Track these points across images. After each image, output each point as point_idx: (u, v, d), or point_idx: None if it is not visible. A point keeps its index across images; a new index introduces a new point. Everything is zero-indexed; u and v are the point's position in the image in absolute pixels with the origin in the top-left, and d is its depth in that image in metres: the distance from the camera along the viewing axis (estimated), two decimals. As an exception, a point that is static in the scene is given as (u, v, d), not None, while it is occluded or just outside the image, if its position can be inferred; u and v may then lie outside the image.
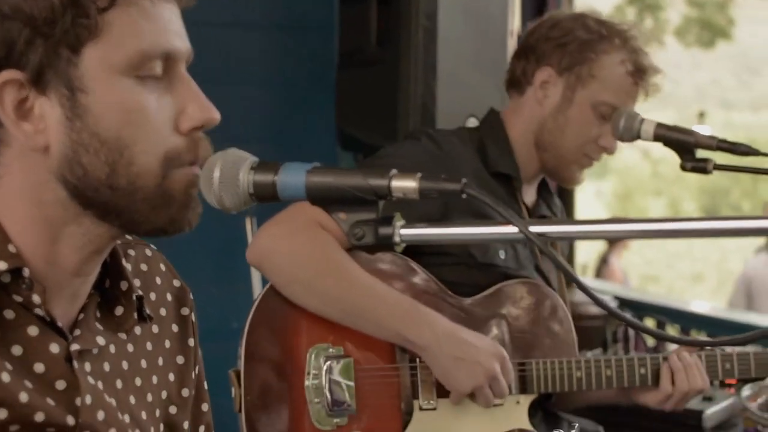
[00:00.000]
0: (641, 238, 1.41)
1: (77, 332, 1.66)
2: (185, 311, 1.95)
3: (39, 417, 1.57)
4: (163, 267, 1.93)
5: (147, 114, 1.56)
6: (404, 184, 1.43)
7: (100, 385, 1.68)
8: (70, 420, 1.61)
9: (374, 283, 2.92)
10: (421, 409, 2.96)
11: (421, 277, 3.03)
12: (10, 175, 1.58)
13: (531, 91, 3.24)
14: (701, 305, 7.17)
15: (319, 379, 2.87)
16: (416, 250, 3.02)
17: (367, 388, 2.92)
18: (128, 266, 1.79)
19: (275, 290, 2.90)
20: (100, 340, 1.70)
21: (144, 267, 1.88)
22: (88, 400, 1.64)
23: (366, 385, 2.92)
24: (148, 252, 1.91)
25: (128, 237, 1.85)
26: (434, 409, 2.96)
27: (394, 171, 1.44)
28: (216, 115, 1.62)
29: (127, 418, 1.73)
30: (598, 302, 1.50)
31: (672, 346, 3.88)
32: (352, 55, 4.44)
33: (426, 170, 2.84)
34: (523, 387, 3.04)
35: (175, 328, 1.92)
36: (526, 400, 3.05)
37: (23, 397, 1.55)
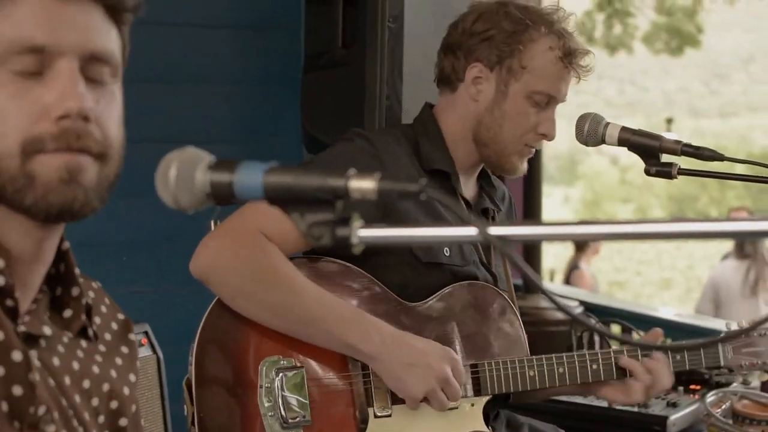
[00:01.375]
0: (602, 240, 1.40)
1: (26, 318, 1.69)
2: (132, 337, 1.98)
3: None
4: (107, 300, 1.98)
5: (11, 103, 1.61)
6: (363, 185, 1.41)
7: (45, 373, 1.70)
8: (18, 390, 1.63)
9: (321, 293, 2.89)
10: (376, 416, 2.94)
11: (367, 283, 3.02)
12: None
13: (463, 88, 3.22)
14: (667, 311, 7.17)
15: (272, 392, 2.84)
16: (359, 255, 3.00)
17: (321, 399, 2.90)
18: (79, 278, 1.82)
19: (222, 305, 2.87)
20: (47, 330, 1.72)
21: (91, 294, 1.92)
22: (37, 377, 1.66)
23: (319, 395, 2.90)
24: (95, 285, 1.96)
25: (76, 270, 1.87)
26: (389, 415, 2.95)
27: (352, 171, 1.42)
28: (78, 104, 1.62)
29: (70, 413, 1.75)
30: (559, 306, 1.49)
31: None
32: (319, 57, 4.42)
33: (361, 168, 2.86)
34: (477, 389, 3.04)
35: (125, 349, 1.95)
36: (480, 402, 3.05)
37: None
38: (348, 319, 2.88)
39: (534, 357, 3.08)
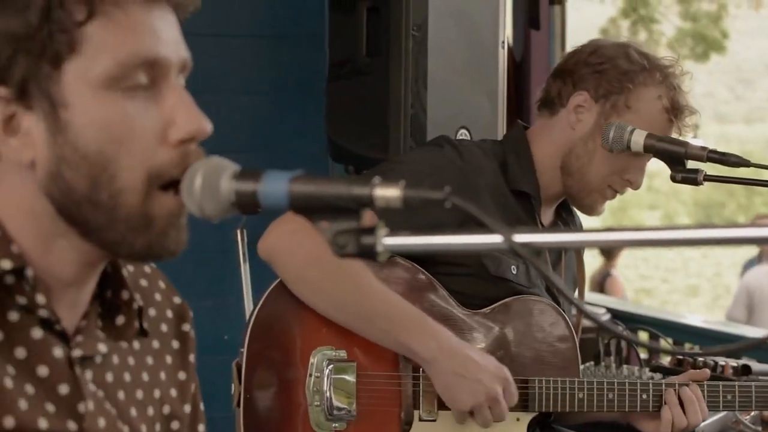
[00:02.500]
0: (627, 246, 1.39)
1: (79, 338, 1.65)
2: (186, 327, 1.93)
3: (42, 424, 1.55)
4: (162, 284, 1.91)
5: (130, 128, 1.54)
6: (387, 193, 1.40)
7: (100, 393, 1.67)
8: (72, 426, 1.59)
9: (384, 290, 2.90)
10: (420, 419, 2.96)
11: (430, 285, 3.02)
12: (4, 185, 1.58)
13: (564, 114, 3.21)
14: (695, 318, 7.15)
15: (321, 382, 2.87)
16: (428, 260, 3.01)
17: (368, 395, 2.92)
18: (127, 278, 1.77)
19: (281, 289, 2.90)
20: (102, 348, 1.69)
21: (144, 282, 1.86)
22: (91, 406, 1.62)
23: (367, 391, 2.92)
24: (147, 269, 1.89)
25: (123, 271, 1.83)
26: (434, 420, 2.96)
27: (377, 179, 1.41)
28: (207, 126, 1.59)
29: (126, 429, 1.71)
30: (587, 314, 1.48)
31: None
32: (343, 66, 4.42)
33: (443, 178, 2.90)
34: (525, 404, 3.03)
35: (175, 344, 1.90)
36: (525, 418, 3.05)
37: (24, 404, 1.54)
38: (408, 319, 2.88)
39: (585, 380, 3.08)
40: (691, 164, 2.96)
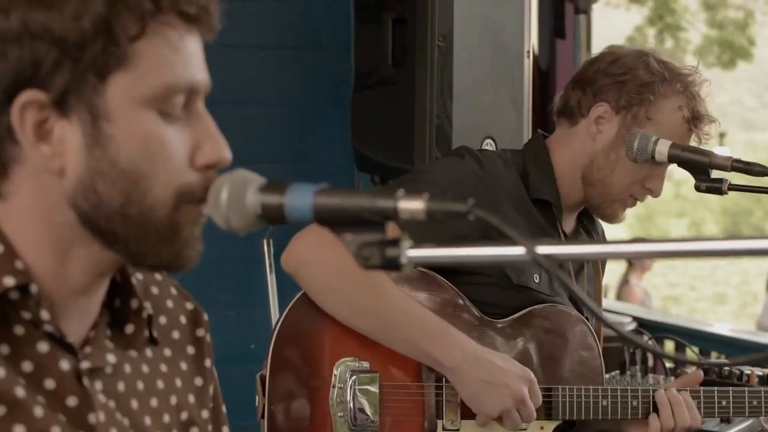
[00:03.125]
0: (647, 257, 1.39)
1: (88, 349, 1.65)
2: (200, 332, 1.93)
3: (55, 431, 1.56)
4: (174, 290, 1.91)
5: (166, 147, 1.55)
6: (411, 206, 1.40)
7: (111, 404, 1.67)
8: None
9: (407, 299, 2.92)
10: (444, 429, 2.97)
11: (452, 294, 3.03)
12: (21, 194, 1.57)
13: (584, 124, 3.20)
14: (722, 327, 7.13)
15: (344, 393, 2.88)
16: (450, 270, 3.02)
17: (392, 405, 2.93)
18: (137, 289, 1.77)
19: (305, 300, 2.91)
20: (111, 358, 1.69)
21: (155, 290, 1.86)
22: (102, 417, 1.63)
23: (390, 401, 2.93)
24: (158, 276, 1.89)
25: (132, 279, 1.83)
26: (457, 430, 2.97)
27: (401, 192, 1.42)
28: (228, 155, 1.61)
29: None
30: (609, 325, 1.49)
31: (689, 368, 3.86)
32: (368, 76, 4.44)
33: (466, 189, 2.90)
34: (548, 413, 3.03)
35: (190, 350, 1.90)
36: (549, 426, 3.05)
37: (38, 411, 1.54)
38: (431, 329, 2.89)
39: (609, 387, 3.07)
40: (715, 173, 2.96)
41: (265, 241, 3.51)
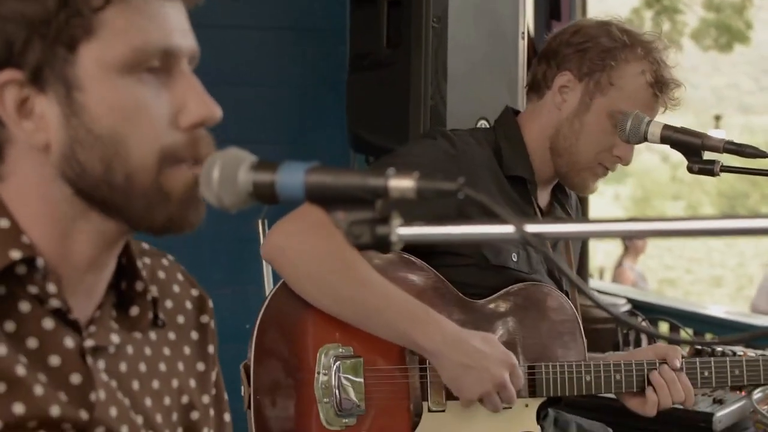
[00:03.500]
0: (633, 237, 1.41)
1: (92, 328, 1.67)
2: (205, 319, 1.95)
3: (54, 411, 1.57)
4: (180, 276, 1.94)
5: (142, 110, 1.57)
6: (401, 184, 1.42)
7: (113, 383, 1.69)
8: (84, 415, 1.62)
9: (386, 284, 2.92)
10: (429, 410, 2.97)
11: (431, 276, 3.04)
12: (17, 173, 1.60)
13: (549, 96, 3.24)
14: (717, 309, 7.15)
15: (329, 379, 2.89)
16: (428, 251, 3.03)
17: (377, 389, 2.94)
18: (143, 271, 1.79)
19: (286, 289, 2.92)
20: (115, 338, 1.71)
21: (162, 275, 1.89)
22: (102, 395, 1.64)
23: (375, 385, 2.94)
24: (165, 261, 1.92)
25: (144, 245, 1.87)
26: (443, 411, 2.97)
27: (391, 170, 1.44)
28: (217, 112, 1.62)
29: (140, 419, 1.73)
30: (600, 305, 1.50)
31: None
32: (363, 58, 4.45)
33: (440, 169, 2.92)
34: (533, 390, 3.05)
35: (194, 335, 1.93)
36: (534, 403, 3.07)
37: (38, 390, 1.56)
38: (411, 313, 2.90)
39: (592, 362, 3.09)
40: (708, 155, 2.97)
41: (260, 221, 3.52)
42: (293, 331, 2.92)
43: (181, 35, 1.63)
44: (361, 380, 2.92)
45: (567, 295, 3.21)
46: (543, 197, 3.32)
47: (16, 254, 1.56)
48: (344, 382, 2.90)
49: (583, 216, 5.98)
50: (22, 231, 1.59)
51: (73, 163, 1.56)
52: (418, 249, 3.00)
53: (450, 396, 2.96)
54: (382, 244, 1.45)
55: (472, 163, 3.09)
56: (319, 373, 2.89)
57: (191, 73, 1.64)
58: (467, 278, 3.07)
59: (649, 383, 3.10)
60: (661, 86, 3.16)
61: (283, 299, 2.92)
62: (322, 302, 2.91)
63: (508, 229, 1.43)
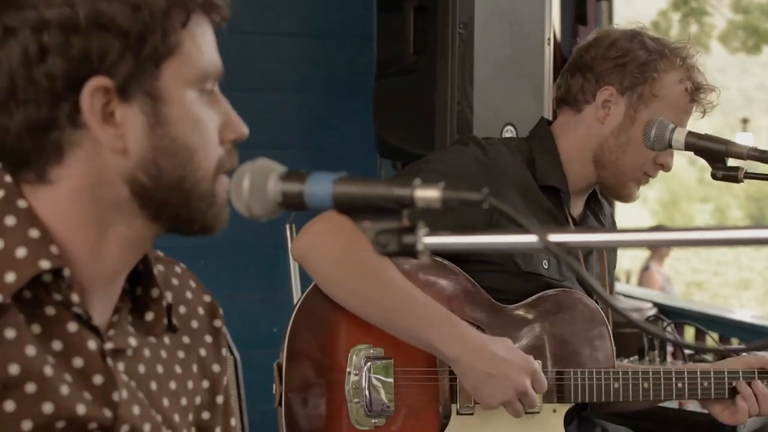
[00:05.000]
0: (658, 246, 1.43)
1: (111, 332, 1.74)
2: (217, 323, 2.01)
3: (81, 409, 1.64)
4: (192, 283, 2.01)
5: (207, 125, 1.71)
6: (427, 194, 1.44)
7: (133, 384, 1.75)
8: (108, 413, 1.67)
9: (410, 288, 2.94)
10: (458, 413, 2.99)
11: (462, 280, 3.06)
12: (71, 176, 1.66)
13: (591, 110, 3.25)
14: (744, 313, 7.13)
15: (360, 379, 2.92)
16: (459, 257, 3.05)
17: (406, 390, 2.96)
18: (157, 276, 1.86)
19: (318, 290, 2.95)
20: (133, 341, 1.77)
21: (175, 282, 1.95)
22: (125, 395, 1.70)
23: (405, 386, 2.96)
24: (178, 269, 1.99)
25: (158, 253, 1.94)
26: (471, 413, 2.99)
27: (417, 180, 1.46)
28: (247, 131, 1.76)
29: (159, 418, 1.79)
30: (622, 314, 1.52)
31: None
32: (390, 64, 4.47)
33: (470, 177, 2.94)
34: (561, 396, 3.06)
35: (208, 338, 1.98)
36: (562, 409, 3.08)
37: (64, 390, 1.62)
38: (432, 319, 2.91)
39: (620, 370, 3.11)
40: (732, 161, 2.98)
41: (287, 226, 3.55)
42: (325, 332, 2.96)
43: (218, 58, 1.76)
44: (391, 381, 2.95)
45: (597, 302, 3.22)
46: (577, 207, 3.33)
47: (45, 264, 1.62)
48: (374, 382, 2.93)
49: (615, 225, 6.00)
50: (52, 241, 1.65)
51: (152, 168, 1.67)
52: (451, 255, 3.03)
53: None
54: (409, 253, 1.48)
55: (502, 171, 3.11)
56: (350, 373, 2.92)
57: (219, 92, 1.77)
58: (498, 284, 3.09)
59: (736, 392, 3.13)
60: (698, 92, 3.21)
61: (315, 300, 2.96)
62: (347, 303, 2.94)
63: (532, 238, 1.46)
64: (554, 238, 1.43)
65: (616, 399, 3.07)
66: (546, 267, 3.14)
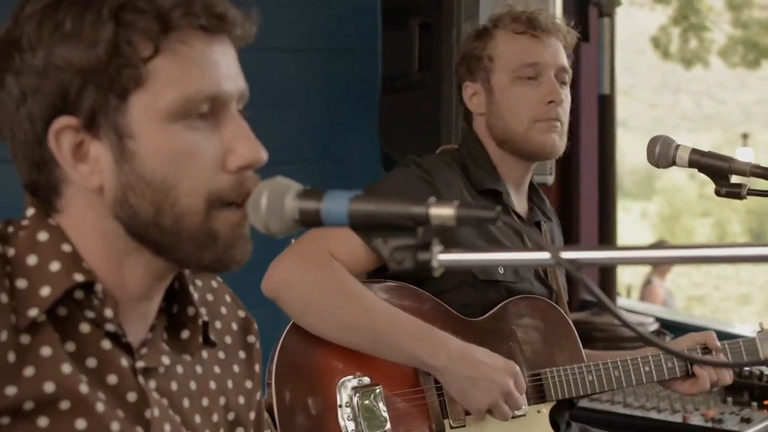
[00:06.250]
0: (671, 263, 1.46)
1: (144, 350, 1.75)
2: (251, 339, 2.02)
3: (115, 427, 1.65)
4: (228, 298, 2.01)
5: (192, 156, 1.64)
6: (442, 212, 1.47)
7: (164, 402, 1.76)
8: (140, 431, 1.69)
9: (389, 308, 2.99)
10: (451, 427, 3.02)
11: (429, 302, 3.11)
12: (73, 207, 1.68)
13: (472, 108, 3.38)
14: (745, 328, 7.14)
15: (353, 411, 2.92)
16: (420, 278, 3.11)
17: (399, 413, 2.99)
18: (195, 294, 1.86)
19: (295, 331, 2.96)
20: (165, 360, 1.78)
21: (210, 297, 1.96)
22: (156, 413, 1.72)
23: (397, 410, 2.99)
24: (214, 284, 1.99)
25: (190, 287, 1.92)
26: (464, 426, 3.03)
27: (432, 199, 1.49)
28: (263, 155, 1.68)
29: None
30: (630, 327, 1.55)
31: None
32: (395, 80, 4.51)
33: (419, 194, 2.98)
34: (541, 396, 3.15)
35: (242, 354, 1.99)
36: (546, 408, 3.16)
37: (99, 407, 1.64)
38: (416, 333, 2.96)
39: (591, 363, 3.20)
40: (735, 178, 3.00)
41: (293, 241, 3.57)
42: (309, 370, 2.94)
43: (229, 79, 1.69)
44: (383, 406, 2.96)
45: (555, 300, 3.34)
46: (520, 204, 3.39)
47: (79, 277, 1.64)
48: (367, 411, 2.94)
49: (609, 236, 6.03)
50: (82, 258, 1.67)
51: (125, 207, 1.64)
52: (409, 276, 3.06)
53: (468, 411, 3.02)
54: (423, 269, 1.51)
55: (445, 184, 3.17)
56: (341, 406, 2.93)
57: (239, 115, 1.70)
58: (463, 298, 3.16)
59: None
60: (527, 23, 3.28)
61: (294, 340, 2.96)
62: (327, 332, 2.95)
63: (542, 255, 1.49)
64: (566, 254, 1.46)
65: (593, 391, 3.19)
66: (502, 272, 3.20)
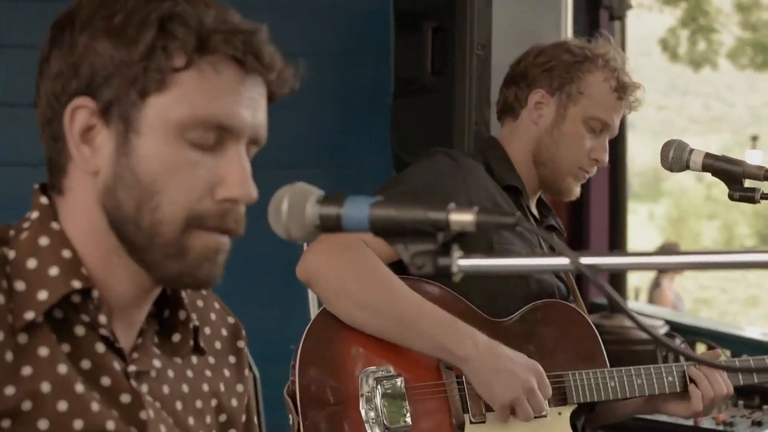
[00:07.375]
0: (688, 269, 1.47)
1: (135, 355, 1.79)
2: (240, 344, 2.06)
3: (110, 425, 1.69)
4: (217, 305, 2.04)
5: (184, 171, 1.68)
6: (461, 218, 1.49)
7: (157, 404, 1.79)
8: (134, 431, 1.72)
9: (417, 296, 3.01)
10: (471, 422, 3.03)
11: (454, 300, 3.13)
12: (75, 189, 1.74)
13: (525, 113, 3.43)
14: (754, 330, 7.14)
15: (374, 401, 2.94)
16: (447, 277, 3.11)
17: (419, 406, 3.00)
18: (186, 299, 1.89)
19: (323, 318, 2.99)
20: (156, 363, 1.82)
21: (200, 303, 1.99)
22: (152, 414, 1.75)
23: (418, 402, 3.00)
24: (204, 291, 2.02)
25: (182, 293, 1.95)
26: (483, 422, 3.04)
27: (452, 205, 1.50)
28: (253, 196, 1.71)
29: None
30: (645, 330, 1.56)
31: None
32: (408, 83, 4.52)
33: (448, 182, 3.02)
34: (563, 398, 3.15)
35: (232, 359, 2.03)
36: (567, 411, 3.15)
37: (95, 406, 1.68)
38: (443, 322, 2.98)
39: (614, 369, 3.21)
40: (749, 182, 3.02)
41: (305, 243, 3.59)
42: (334, 359, 2.97)
43: (247, 118, 1.72)
44: (405, 398, 2.98)
45: (572, 297, 3.39)
46: (533, 208, 3.47)
47: (76, 283, 1.68)
48: (388, 401, 2.96)
49: (620, 239, 6.03)
50: (82, 263, 1.71)
51: (112, 197, 1.69)
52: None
53: (489, 407, 3.03)
54: (444, 274, 1.52)
55: (472, 172, 3.24)
56: (363, 396, 2.95)
57: (244, 154, 1.73)
58: (487, 291, 3.19)
59: (691, 380, 3.23)
60: (623, 90, 3.39)
61: (321, 327, 2.99)
62: (357, 318, 2.98)
63: (560, 260, 1.51)
64: (585, 260, 1.47)
65: (615, 396, 3.18)
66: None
